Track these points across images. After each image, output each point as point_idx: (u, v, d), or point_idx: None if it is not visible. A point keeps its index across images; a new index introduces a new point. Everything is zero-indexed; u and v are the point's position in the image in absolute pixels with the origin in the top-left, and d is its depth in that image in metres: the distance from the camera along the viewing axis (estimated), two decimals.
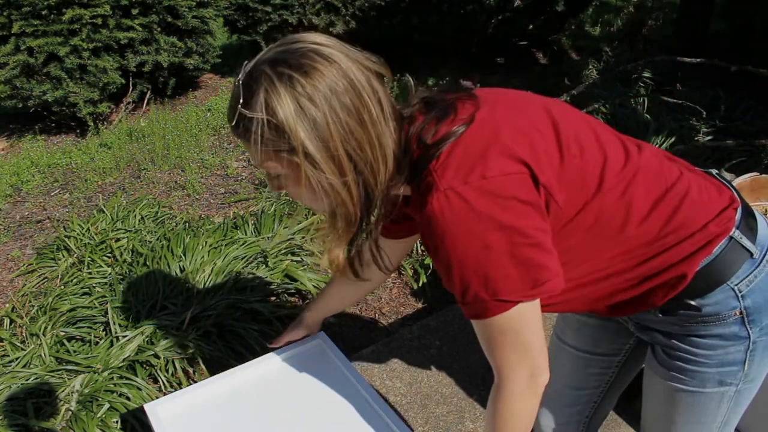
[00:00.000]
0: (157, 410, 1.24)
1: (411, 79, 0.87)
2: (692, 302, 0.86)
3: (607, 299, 0.92)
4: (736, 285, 0.85)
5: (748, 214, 0.89)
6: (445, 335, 2.09)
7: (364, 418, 1.20)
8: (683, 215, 0.84)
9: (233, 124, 0.79)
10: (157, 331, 2.06)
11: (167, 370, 1.97)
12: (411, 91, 0.87)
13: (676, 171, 0.89)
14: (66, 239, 2.72)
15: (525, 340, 0.83)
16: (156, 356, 1.98)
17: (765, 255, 0.87)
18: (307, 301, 2.27)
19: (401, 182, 0.83)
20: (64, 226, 2.95)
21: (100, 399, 1.83)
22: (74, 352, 2.06)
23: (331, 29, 4.55)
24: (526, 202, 0.76)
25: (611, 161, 0.84)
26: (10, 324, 2.28)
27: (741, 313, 0.86)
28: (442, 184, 0.76)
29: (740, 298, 0.85)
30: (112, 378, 1.91)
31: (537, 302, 0.82)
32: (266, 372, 1.34)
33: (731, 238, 0.85)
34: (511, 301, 0.79)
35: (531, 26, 4.73)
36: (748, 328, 0.87)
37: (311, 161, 0.77)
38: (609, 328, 1.10)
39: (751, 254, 0.85)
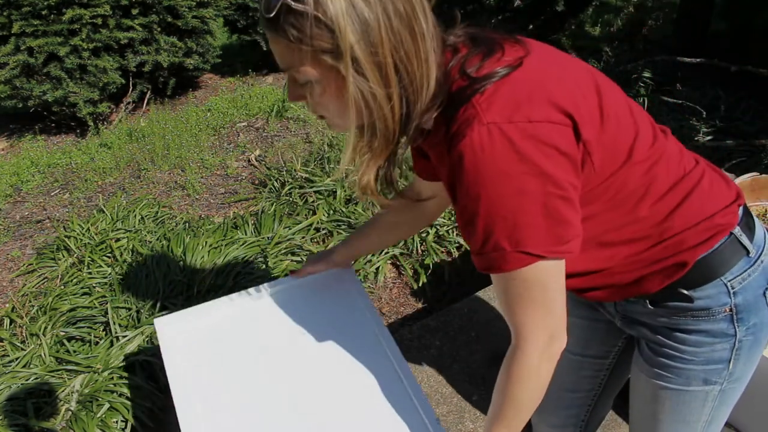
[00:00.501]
0: (165, 328, 1.23)
1: (458, 12, 0.83)
2: (685, 292, 0.86)
3: (607, 278, 0.91)
4: (730, 281, 0.85)
5: (748, 214, 0.90)
6: (445, 335, 2.09)
7: (369, 351, 1.17)
8: (693, 202, 0.85)
9: (271, 15, 0.69)
10: None
11: None
12: (456, 22, 0.82)
13: (693, 160, 0.89)
14: (66, 239, 2.72)
15: (549, 297, 0.80)
16: (156, 356, 1.98)
17: (760, 255, 0.87)
18: None
19: (435, 109, 0.78)
20: (64, 226, 2.95)
21: (100, 399, 1.83)
22: (74, 352, 2.06)
23: None
24: (566, 154, 0.74)
25: (642, 137, 0.83)
26: (10, 324, 2.28)
27: (731, 310, 0.86)
28: (486, 118, 0.72)
29: (732, 295, 0.86)
30: (112, 378, 1.92)
31: (562, 262, 0.79)
32: (281, 295, 1.30)
33: (731, 233, 0.86)
34: (533, 254, 0.75)
35: (531, 26, 4.73)
36: (736, 326, 0.87)
37: (357, 67, 0.71)
38: (598, 329, 1.10)
39: (748, 252, 0.86)
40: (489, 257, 0.77)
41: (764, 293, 0.88)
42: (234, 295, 1.29)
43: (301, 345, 1.20)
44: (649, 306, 0.91)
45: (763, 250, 0.88)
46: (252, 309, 1.28)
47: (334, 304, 1.28)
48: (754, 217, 0.92)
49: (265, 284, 1.32)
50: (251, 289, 1.30)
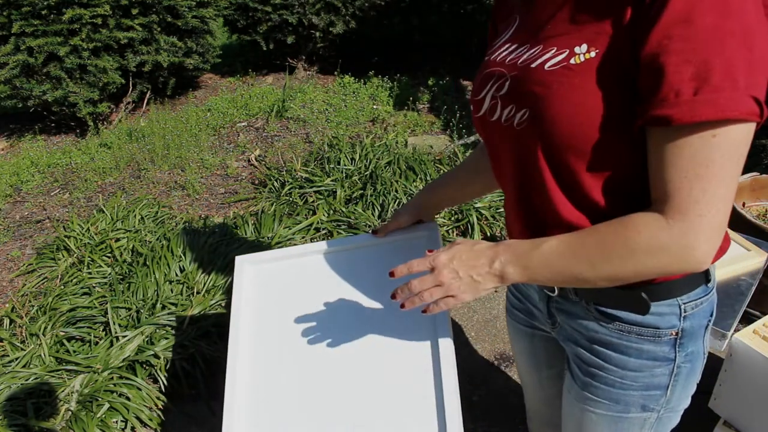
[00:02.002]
0: (242, 266, 1.25)
1: None
2: (644, 296, 0.81)
3: None
4: (685, 304, 0.83)
5: None
6: None
7: (419, 335, 1.13)
8: None
9: None
10: (157, 331, 2.06)
11: (167, 370, 1.97)
12: None
13: None
14: (66, 239, 2.72)
15: (735, 178, 0.64)
16: (156, 356, 1.98)
17: (713, 288, 0.86)
18: None
19: None
20: (64, 226, 2.95)
21: (100, 399, 1.83)
22: (74, 352, 2.06)
23: (331, 29, 4.55)
24: None
25: None
26: (10, 324, 2.28)
27: (677, 333, 0.84)
28: None
29: (681, 319, 0.83)
30: (112, 378, 1.91)
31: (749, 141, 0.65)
32: (360, 254, 1.25)
33: None
34: (761, 103, 0.60)
35: None
36: (677, 351, 0.85)
37: None
38: (538, 348, 1.09)
39: (707, 281, 0.84)
40: (711, 97, 0.59)
41: (707, 325, 0.86)
42: (315, 245, 1.27)
43: (358, 314, 1.19)
44: (595, 312, 0.85)
45: (714, 284, 0.86)
46: (327, 265, 1.26)
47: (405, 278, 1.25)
48: None
49: (351, 237, 1.31)
50: (336, 240, 1.28)
